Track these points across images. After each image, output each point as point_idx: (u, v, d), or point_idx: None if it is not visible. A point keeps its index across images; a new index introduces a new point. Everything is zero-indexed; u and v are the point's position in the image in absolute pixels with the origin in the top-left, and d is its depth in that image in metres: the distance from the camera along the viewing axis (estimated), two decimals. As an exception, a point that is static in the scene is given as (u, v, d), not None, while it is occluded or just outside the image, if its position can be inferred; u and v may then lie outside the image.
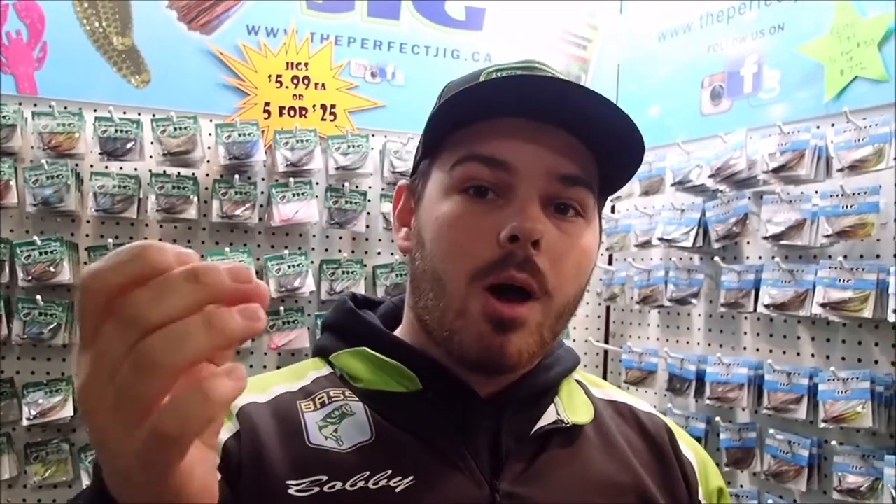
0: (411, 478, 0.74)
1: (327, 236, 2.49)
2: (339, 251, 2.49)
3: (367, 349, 0.81)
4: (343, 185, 2.42)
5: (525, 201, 0.73)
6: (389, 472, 0.74)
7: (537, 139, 0.75)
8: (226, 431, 0.75)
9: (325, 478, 0.73)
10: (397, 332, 0.86)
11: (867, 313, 1.77)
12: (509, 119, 0.75)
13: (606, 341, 2.75)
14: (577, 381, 0.91)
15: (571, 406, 0.84)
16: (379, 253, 2.53)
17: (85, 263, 2.24)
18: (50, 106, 2.19)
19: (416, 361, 0.79)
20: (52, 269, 2.13)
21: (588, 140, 0.77)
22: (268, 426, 0.76)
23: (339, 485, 0.73)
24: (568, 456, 0.81)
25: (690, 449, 0.91)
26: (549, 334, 0.77)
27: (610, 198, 2.55)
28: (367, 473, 0.73)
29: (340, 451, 0.75)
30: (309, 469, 0.73)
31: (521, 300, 0.73)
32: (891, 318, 1.72)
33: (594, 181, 0.78)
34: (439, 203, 0.77)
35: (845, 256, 1.85)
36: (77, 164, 2.23)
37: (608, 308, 2.76)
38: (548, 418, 0.81)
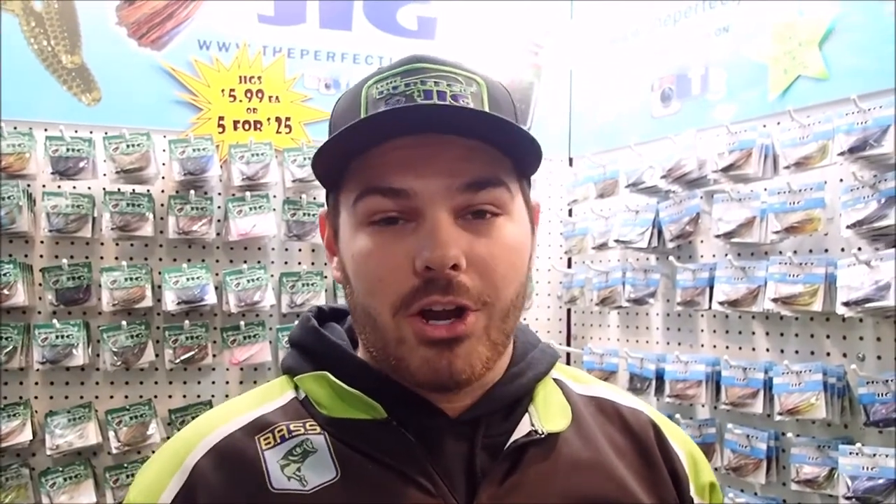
0: None
1: (286, 249, 2.48)
2: (299, 263, 2.48)
3: (329, 375, 0.78)
4: (301, 198, 2.41)
5: (434, 224, 0.71)
6: None
7: (433, 154, 0.73)
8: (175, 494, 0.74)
9: None
10: (361, 350, 0.83)
11: (817, 307, 1.81)
12: (401, 139, 0.73)
13: (568, 343, 2.77)
14: (557, 380, 0.88)
15: (547, 413, 0.81)
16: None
17: (39, 285, 2.21)
18: (-1, 127, 2.16)
19: (379, 387, 0.77)
20: (6, 291, 2.09)
21: (485, 138, 0.74)
22: (223, 480, 0.74)
23: None
24: (545, 469, 0.78)
25: (679, 444, 0.88)
26: (498, 335, 0.75)
27: (567, 202, 2.65)
28: None
29: (305, 493, 0.73)
30: None
31: (458, 315, 0.72)
32: (840, 310, 1.76)
33: (507, 171, 0.76)
34: (352, 240, 0.75)
35: (794, 252, 1.89)
36: (29, 185, 2.20)
37: (569, 311, 2.79)
38: (521, 430, 0.79)
